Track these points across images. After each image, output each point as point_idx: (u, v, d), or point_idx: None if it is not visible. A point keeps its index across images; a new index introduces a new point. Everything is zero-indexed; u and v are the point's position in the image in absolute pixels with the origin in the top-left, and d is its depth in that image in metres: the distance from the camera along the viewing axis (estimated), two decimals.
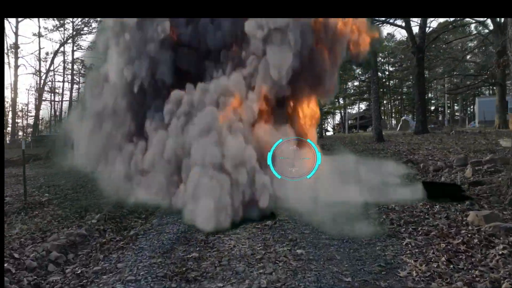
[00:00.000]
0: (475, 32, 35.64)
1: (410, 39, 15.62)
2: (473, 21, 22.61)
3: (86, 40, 53.18)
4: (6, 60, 27.21)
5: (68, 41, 45.00)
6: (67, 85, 48.18)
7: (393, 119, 61.92)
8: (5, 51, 25.11)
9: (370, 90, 54.51)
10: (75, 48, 46.77)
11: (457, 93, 23.66)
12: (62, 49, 45.61)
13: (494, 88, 44.46)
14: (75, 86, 51.63)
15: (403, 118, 29.82)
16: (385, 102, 63.15)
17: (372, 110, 12.47)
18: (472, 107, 51.66)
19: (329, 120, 53.22)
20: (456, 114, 60.11)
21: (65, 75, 47.81)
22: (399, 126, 30.37)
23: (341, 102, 54.79)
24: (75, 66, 50.17)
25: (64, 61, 47.60)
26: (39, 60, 42.13)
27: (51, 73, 45.91)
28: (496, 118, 20.31)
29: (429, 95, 59.98)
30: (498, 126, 19.16)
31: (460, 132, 15.12)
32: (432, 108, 60.50)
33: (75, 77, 50.73)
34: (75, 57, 47.17)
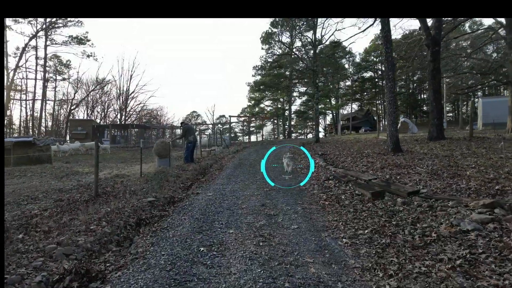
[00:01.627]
0: (469, 31, 34.16)
1: (424, 29, 13.31)
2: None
3: (61, 34, 49.42)
4: None
5: (39, 34, 41.45)
6: (40, 83, 44.69)
7: (384, 120, 60.41)
8: None
9: (363, 89, 52.72)
10: (48, 42, 43.32)
11: (465, 93, 21.61)
12: (34, 43, 42.11)
13: (486, 88, 43.07)
14: (52, 85, 48.01)
15: (402, 119, 27.67)
16: (377, 102, 61.64)
17: (387, 113, 10.05)
18: (465, 108, 50.34)
19: (320, 121, 51.11)
20: (449, 115, 59.22)
21: (37, 72, 44.26)
22: (397, 128, 28.36)
23: (333, 102, 52.79)
24: (50, 63, 46.72)
25: (36, 57, 43.99)
26: (6, 55, 38.37)
27: (21, 70, 42.21)
28: (509, 121, 18.30)
29: (423, 96, 58.80)
30: (511, 129, 17.27)
31: (481, 138, 12.92)
32: (425, 108, 59.33)
33: (50, 75, 47.16)
34: (48, 52, 43.78)
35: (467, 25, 39.69)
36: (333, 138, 25.92)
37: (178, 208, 5.43)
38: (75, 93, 47.57)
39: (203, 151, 15.43)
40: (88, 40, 43.09)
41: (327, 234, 3.77)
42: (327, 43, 23.25)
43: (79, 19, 39.62)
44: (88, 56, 43.48)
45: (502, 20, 16.94)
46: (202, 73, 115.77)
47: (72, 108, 47.27)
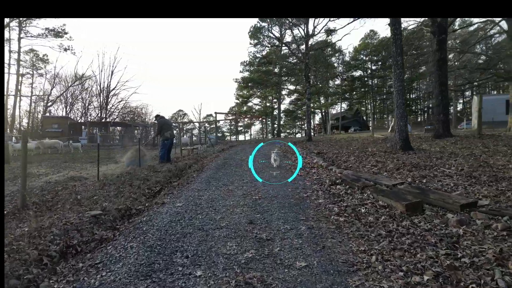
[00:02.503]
0: (458, 27, 33.58)
1: None
2: None
3: (37, 26, 46.36)
4: None
5: (11, 25, 38.54)
6: (13, 78, 41.79)
7: (374, 120, 59.88)
8: None
9: (352, 88, 51.89)
10: (22, 34, 40.45)
11: (461, 90, 20.72)
12: (6, 35, 39.20)
13: (475, 88, 42.94)
14: (29, 81, 45.03)
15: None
16: (367, 102, 61.03)
17: (395, 105, 8.67)
18: (455, 106, 50.10)
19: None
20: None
21: (11, 66, 41.34)
22: (391, 127, 27.33)
23: (323, 101, 51.74)
24: (26, 57, 43.77)
25: (9, 50, 41.08)
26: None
27: None
28: (511, 119, 17.39)
29: (411, 95, 58.51)
30: None
31: (491, 136, 11.76)
32: (413, 108, 59.14)
33: (27, 70, 44.18)
34: (22, 45, 40.90)
35: (457, 23, 39.27)
36: (325, 137, 24.65)
37: (130, 227, 3.81)
38: (51, 89, 44.80)
39: (184, 150, 13.75)
40: (66, 33, 40.52)
41: (359, 282, 2.25)
42: (321, 33, 21.91)
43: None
44: (66, 49, 40.89)
45: None
46: (189, 71, 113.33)
47: (48, 104, 44.51)
